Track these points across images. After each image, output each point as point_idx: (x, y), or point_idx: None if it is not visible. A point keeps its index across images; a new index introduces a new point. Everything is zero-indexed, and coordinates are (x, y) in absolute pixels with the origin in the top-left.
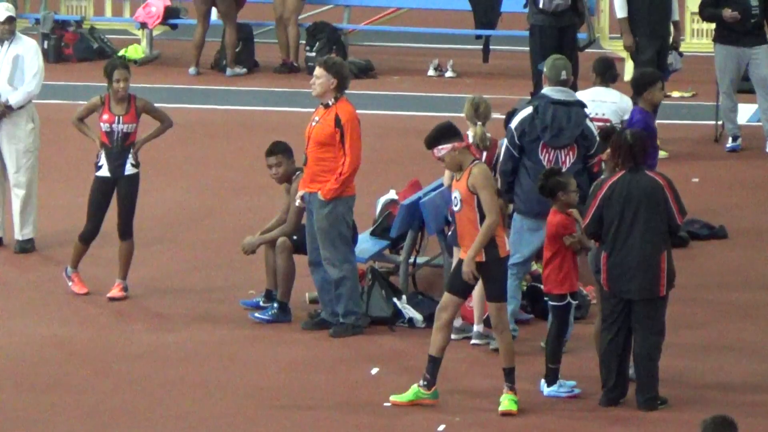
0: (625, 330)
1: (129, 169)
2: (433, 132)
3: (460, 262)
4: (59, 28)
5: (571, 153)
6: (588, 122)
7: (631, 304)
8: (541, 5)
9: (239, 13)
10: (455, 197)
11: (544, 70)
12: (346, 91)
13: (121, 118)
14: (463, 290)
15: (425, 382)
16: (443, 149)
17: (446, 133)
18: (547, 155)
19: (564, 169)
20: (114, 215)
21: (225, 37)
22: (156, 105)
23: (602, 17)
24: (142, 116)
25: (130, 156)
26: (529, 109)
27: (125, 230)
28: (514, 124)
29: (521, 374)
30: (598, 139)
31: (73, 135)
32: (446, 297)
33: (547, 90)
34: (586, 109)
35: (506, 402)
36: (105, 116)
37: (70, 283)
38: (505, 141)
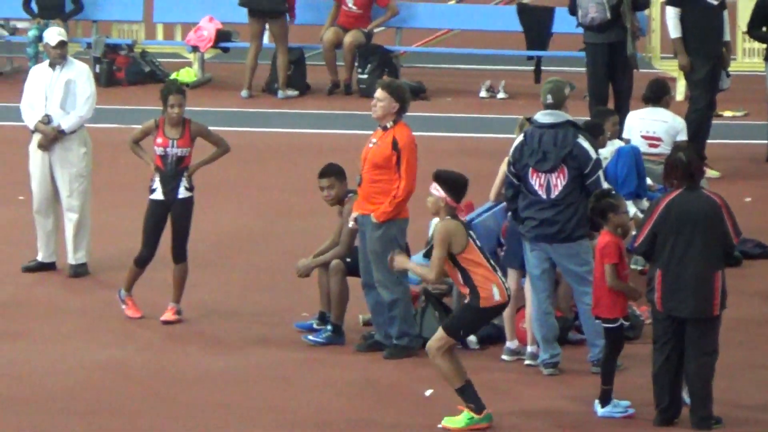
0: (678, 350)
1: (183, 193)
2: (443, 173)
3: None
4: (111, 52)
5: (561, 175)
6: (580, 141)
7: (684, 324)
8: (579, 20)
9: (289, 37)
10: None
11: None
12: None
13: (175, 141)
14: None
15: (471, 408)
16: (436, 191)
17: (448, 182)
18: (537, 179)
19: (556, 193)
20: (168, 238)
21: (277, 59)
22: (210, 129)
23: (653, 37)
24: (197, 140)
25: (184, 179)
26: (521, 136)
27: (179, 253)
28: (510, 151)
29: (575, 395)
30: (593, 156)
31: (125, 159)
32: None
33: (537, 114)
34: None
35: (461, 415)
36: (159, 140)
37: (123, 307)
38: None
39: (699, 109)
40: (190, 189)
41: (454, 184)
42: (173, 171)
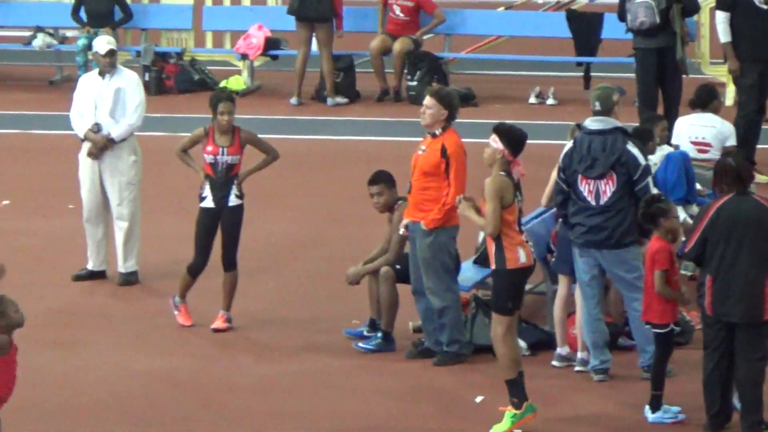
0: (728, 355)
1: (233, 200)
2: (512, 131)
3: None
4: (160, 61)
5: (610, 182)
6: (629, 147)
7: (734, 329)
8: (628, 25)
9: (339, 44)
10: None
11: None
12: None
13: (225, 149)
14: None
15: (514, 402)
16: (495, 142)
17: (512, 138)
18: (587, 186)
19: (605, 199)
20: (219, 246)
21: (322, 65)
22: (260, 136)
23: (702, 42)
24: (247, 148)
25: (234, 187)
26: (571, 143)
27: (229, 261)
28: (560, 157)
29: (626, 401)
30: (642, 162)
31: (175, 167)
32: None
33: (586, 121)
34: (627, 137)
35: (504, 419)
36: (209, 147)
37: (176, 313)
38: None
39: (748, 113)
40: (240, 197)
41: (514, 137)
42: (224, 179)
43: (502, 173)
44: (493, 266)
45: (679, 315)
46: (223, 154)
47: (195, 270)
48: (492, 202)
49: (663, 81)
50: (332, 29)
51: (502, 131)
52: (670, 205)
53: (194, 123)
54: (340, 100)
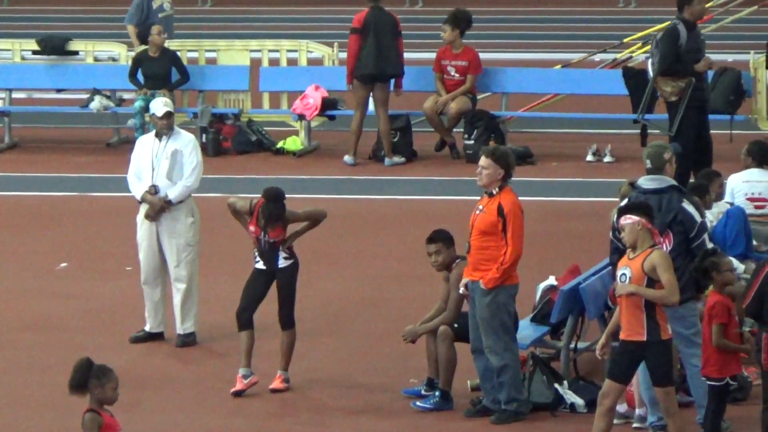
0: None
1: (282, 262)
2: (629, 203)
3: (621, 346)
4: (217, 122)
5: (666, 240)
6: (685, 206)
7: None
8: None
9: (396, 103)
10: (623, 274)
11: None
12: None
13: (266, 233)
14: (624, 376)
15: None
16: (629, 219)
17: (639, 207)
18: None
19: None
20: (275, 306)
21: (380, 125)
22: (301, 210)
23: (759, 98)
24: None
25: (281, 251)
26: (624, 201)
27: (287, 320)
28: (614, 216)
29: None
30: (698, 220)
31: (233, 229)
32: (608, 383)
33: (640, 179)
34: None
35: None
36: (251, 228)
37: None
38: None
39: None
40: (289, 257)
41: (640, 206)
42: (269, 249)
43: (657, 246)
44: (639, 337)
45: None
46: (264, 236)
47: (240, 315)
48: (668, 272)
49: (702, 134)
50: (388, 88)
51: (631, 208)
52: (722, 259)
53: (251, 184)
54: (397, 159)
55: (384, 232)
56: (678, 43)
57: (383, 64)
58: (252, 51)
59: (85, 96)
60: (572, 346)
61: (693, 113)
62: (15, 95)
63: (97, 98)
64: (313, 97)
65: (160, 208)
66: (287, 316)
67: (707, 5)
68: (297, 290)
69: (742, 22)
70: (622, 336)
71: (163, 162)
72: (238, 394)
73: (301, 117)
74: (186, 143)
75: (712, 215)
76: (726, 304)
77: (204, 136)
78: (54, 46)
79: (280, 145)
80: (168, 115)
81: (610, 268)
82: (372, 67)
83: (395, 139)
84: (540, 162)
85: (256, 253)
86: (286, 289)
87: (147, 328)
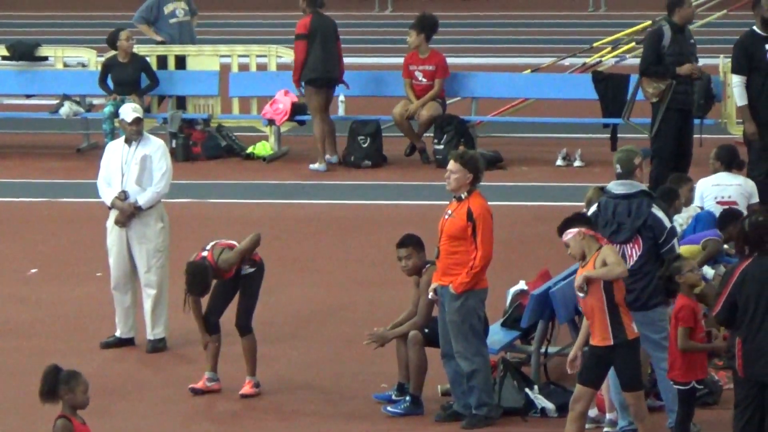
0: (759, 414)
1: (246, 270)
2: (565, 218)
3: (591, 351)
4: (187, 127)
5: (636, 246)
6: (654, 211)
7: (765, 388)
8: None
9: (365, 109)
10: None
11: None
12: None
13: (223, 277)
14: (595, 381)
15: None
16: (570, 233)
17: (574, 219)
18: None
19: (631, 263)
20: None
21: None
22: (235, 250)
23: (729, 103)
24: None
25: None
26: (595, 207)
27: (245, 326)
28: None
29: None
30: (667, 225)
31: (202, 234)
32: (579, 388)
33: (610, 184)
34: (651, 200)
35: None
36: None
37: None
38: None
39: (758, 175)
40: (252, 266)
41: (577, 218)
42: (235, 275)
43: (602, 246)
44: (607, 342)
45: (709, 375)
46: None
47: (206, 320)
48: (615, 254)
49: (682, 140)
50: (333, 93)
51: (570, 221)
52: (683, 261)
53: (221, 189)
54: (319, 166)
55: (354, 237)
56: (660, 45)
57: (331, 69)
58: (222, 56)
59: (55, 102)
60: (543, 350)
61: (674, 116)
62: None
63: (67, 104)
64: (283, 102)
65: (129, 213)
66: (244, 321)
67: None
68: (267, 295)
69: (711, 26)
70: (591, 341)
71: (133, 167)
72: (195, 391)
73: (270, 122)
74: (155, 149)
75: (682, 219)
76: (692, 308)
77: (174, 141)
78: (23, 52)
79: (249, 150)
80: (137, 121)
81: None
82: (322, 71)
83: (365, 145)
84: (510, 166)
85: None
86: (249, 295)
87: (118, 333)
